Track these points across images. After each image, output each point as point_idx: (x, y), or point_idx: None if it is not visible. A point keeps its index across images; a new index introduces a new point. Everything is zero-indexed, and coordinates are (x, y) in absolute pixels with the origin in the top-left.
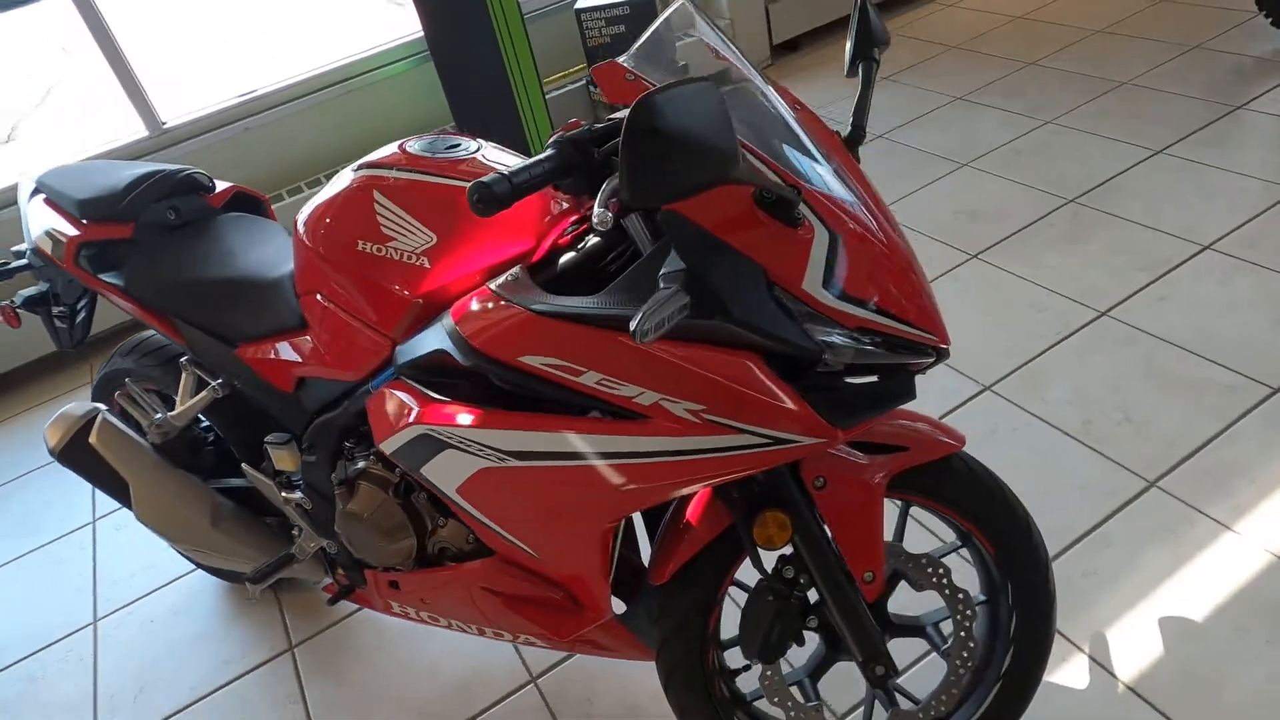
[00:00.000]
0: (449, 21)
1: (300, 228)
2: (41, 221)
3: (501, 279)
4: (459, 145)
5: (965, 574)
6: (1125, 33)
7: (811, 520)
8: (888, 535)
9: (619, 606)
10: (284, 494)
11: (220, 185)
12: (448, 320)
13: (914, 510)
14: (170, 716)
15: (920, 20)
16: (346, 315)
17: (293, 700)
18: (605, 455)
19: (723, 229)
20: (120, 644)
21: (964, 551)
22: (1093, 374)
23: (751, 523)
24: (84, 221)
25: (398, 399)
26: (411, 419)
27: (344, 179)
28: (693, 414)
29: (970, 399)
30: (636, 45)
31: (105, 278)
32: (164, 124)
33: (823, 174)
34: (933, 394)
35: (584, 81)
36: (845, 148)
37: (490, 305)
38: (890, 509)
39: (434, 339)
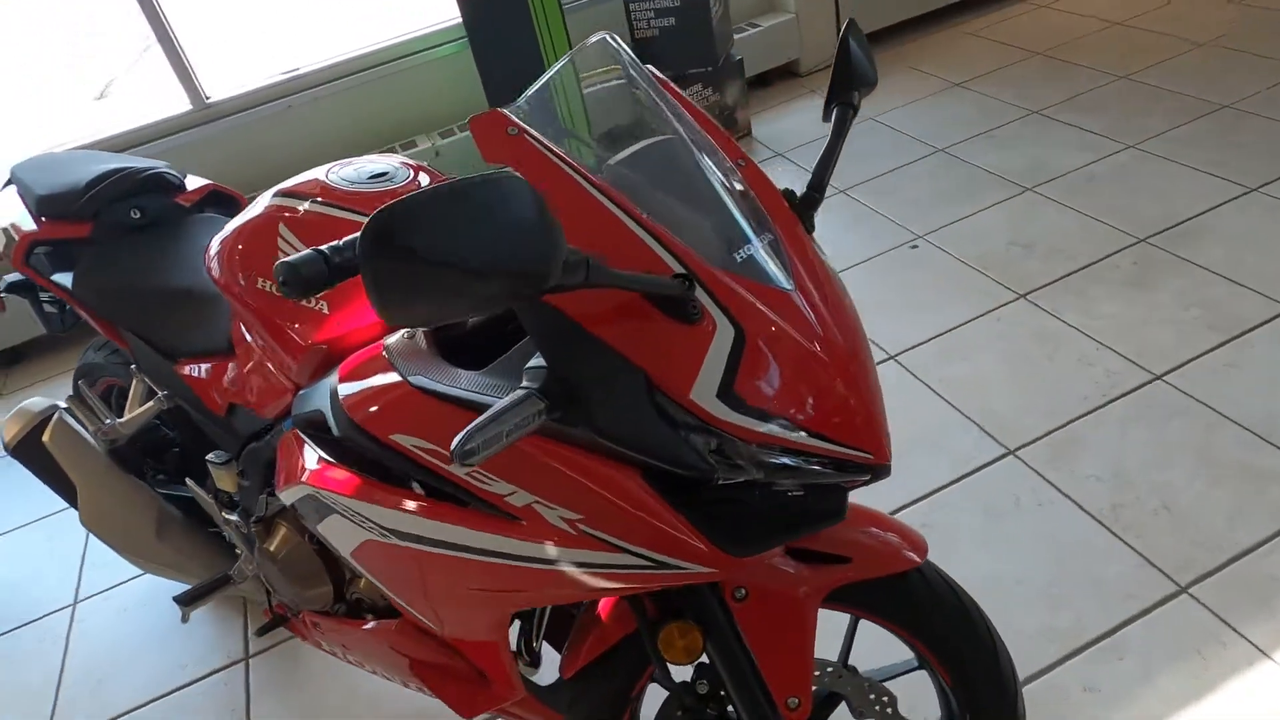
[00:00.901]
0: (487, 7)
1: (210, 253)
2: (3, 215)
3: (397, 336)
4: (386, 175)
5: (926, 693)
6: (1237, 47)
7: (728, 636)
8: (831, 650)
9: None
10: (224, 513)
11: (194, 183)
12: (334, 377)
13: None
14: (120, 716)
15: (1005, 21)
16: (259, 350)
17: (235, 716)
18: (479, 552)
19: (595, 321)
20: (93, 630)
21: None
22: (1135, 448)
23: (657, 633)
24: (42, 219)
25: (294, 450)
26: (301, 477)
27: (258, 205)
28: (569, 523)
29: (990, 463)
30: (532, 89)
31: (57, 278)
32: (208, 99)
33: (751, 250)
34: (947, 454)
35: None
36: (794, 213)
37: (374, 368)
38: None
39: (320, 396)
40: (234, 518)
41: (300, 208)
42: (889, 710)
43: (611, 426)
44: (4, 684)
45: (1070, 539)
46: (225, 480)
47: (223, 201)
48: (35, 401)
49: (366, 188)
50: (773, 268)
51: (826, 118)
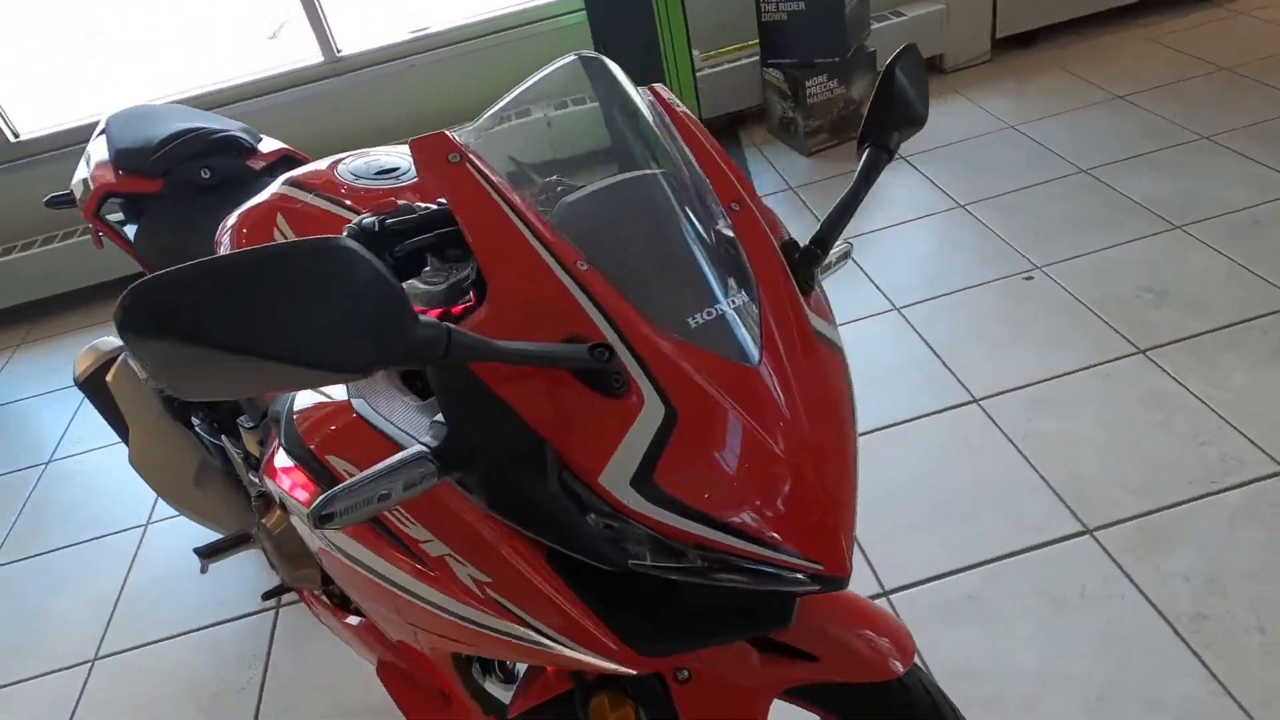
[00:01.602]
0: None
1: (222, 230)
2: (87, 163)
3: None
4: (395, 170)
5: None
6: None
7: (664, 718)
8: None
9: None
10: (250, 475)
11: (269, 146)
12: None
13: None
14: (160, 640)
15: (1192, 28)
16: None
17: (255, 662)
18: (405, 590)
19: (504, 380)
20: (156, 554)
21: None
22: (1240, 551)
23: (589, 698)
24: (119, 171)
25: (271, 439)
26: (264, 470)
27: (268, 190)
28: (477, 584)
29: (1062, 540)
30: (488, 112)
31: (128, 230)
32: (339, 52)
33: (715, 314)
34: (1014, 520)
35: (753, 60)
36: (788, 270)
37: None
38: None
39: (284, 397)
40: (256, 480)
41: (302, 199)
42: None
43: (506, 503)
44: (74, 586)
45: (1136, 645)
46: (251, 444)
47: (294, 166)
48: (106, 341)
49: (371, 183)
50: (739, 336)
51: (858, 156)
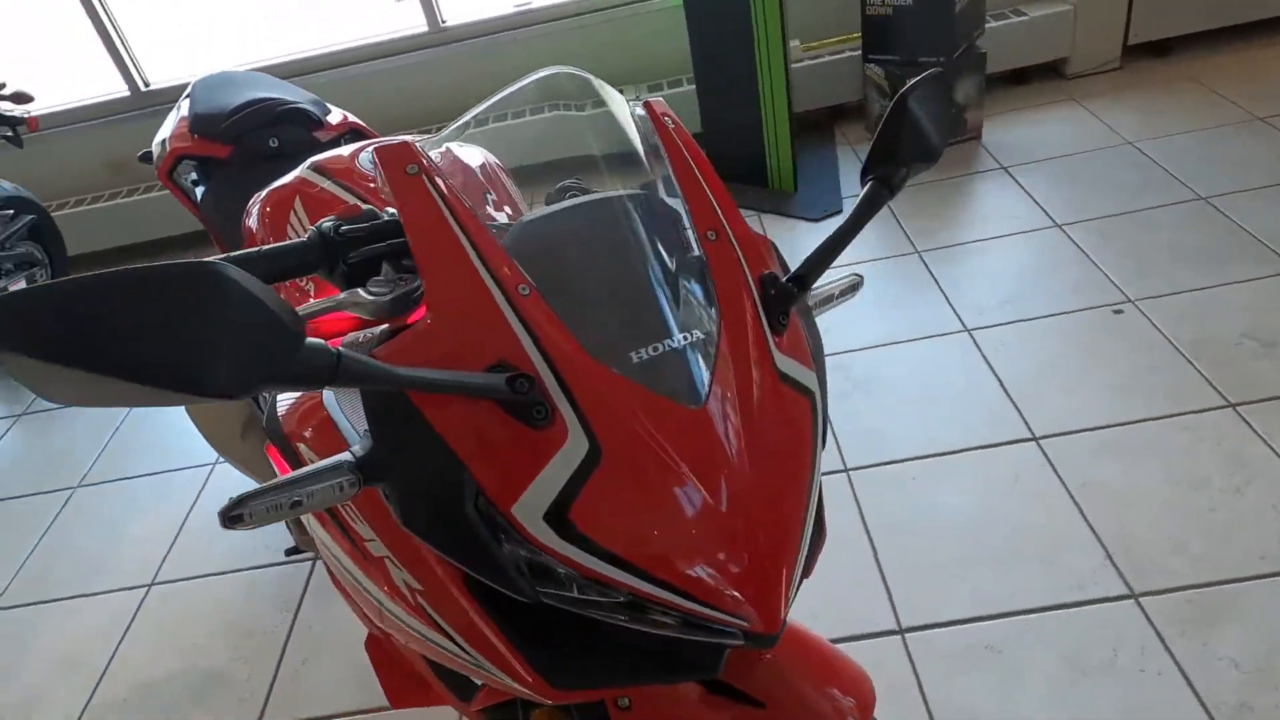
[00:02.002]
0: None
1: (250, 205)
2: (169, 125)
3: (358, 335)
4: None
5: None
6: None
7: None
8: None
9: None
10: None
11: (336, 118)
12: None
13: None
14: (207, 575)
15: None
16: None
17: (287, 610)
18: (357, 581)
19: (431, 401)
20: (220, 491)
21: None
22: None
23: (530, 708)
24: (194, 135)
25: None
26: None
27: (294, 171)
28: (410, 591)
29: (1102, 601)
30: (457, 123)
31: (198, 192)
32: (443, 23)
33: (662, 349)
34: (1052, 572)
35: (855, 55)
36: (756, 307)
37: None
38: None
39: None
40: None
41: (319, 185)
42: None
43: (420, 520)
44: (146, 514)
45: None
46: None
47: (360, 139)
48: None
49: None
50: (685, 375)
51: (861, 188)
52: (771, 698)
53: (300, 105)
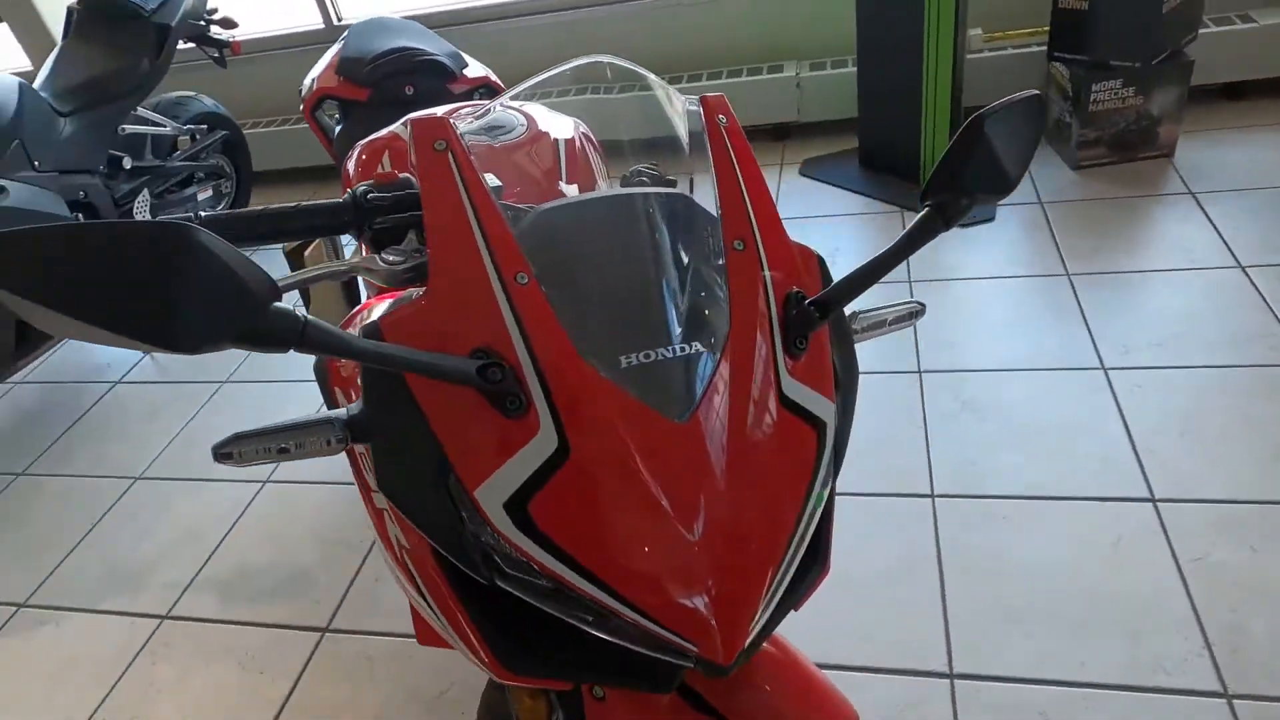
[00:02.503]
0: None
1: (350, 151)
2: (321, 64)
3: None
4: (503, 128)
5: None
6: None
7: None
8: None
9: None
10: None
11: (474, 72)
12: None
13: None
14: (311, 482)
15: None
16: None
17: (371, 529)
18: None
19: (418, 379)
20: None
21: None
22: None
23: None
24: (339, 77)
25: None
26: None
27: (395, 125)
28: (400, 547)
29: (1190, 693)
30: (504, 98)
31: (336, 130)
32: None
33: (655, 357)
34: (1138, 649)
35: (1040, 50)
36: (770, 325)
37: (369, 315)
38: None
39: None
40: None
41: (406, 141)
42: None
43: (394, 486)
44: (275, 416)
45: None
46: None
47: (493, 94)
48: None
49: (475, 139)
50: (675, 387)
51: (918, 212)
52: (736, 714)
53: (437, 57)
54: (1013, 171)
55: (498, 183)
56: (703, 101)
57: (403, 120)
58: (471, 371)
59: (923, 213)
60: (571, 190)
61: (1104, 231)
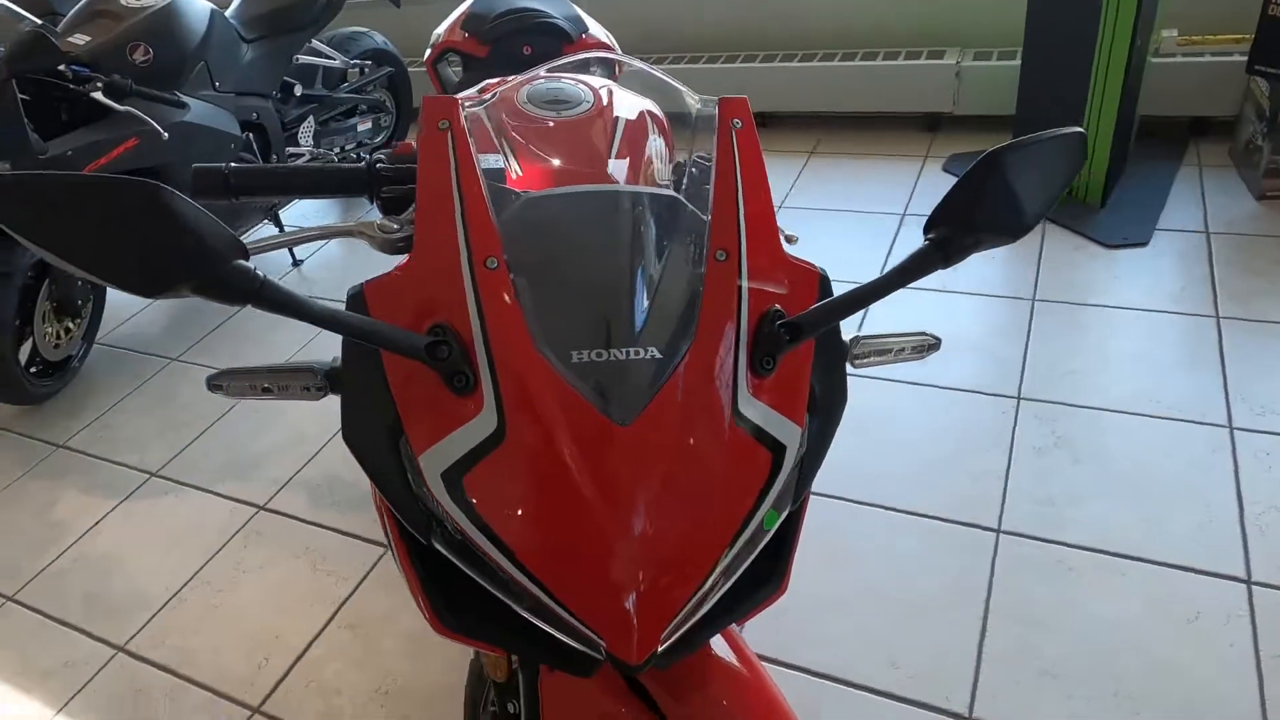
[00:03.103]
0: None
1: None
2: (449, 19)
3: None
4: (568, 103)
5: None
6: None
7: (530, 687)
8: None
9: None
10: None
11: (594, 37)
12: None
13: None
14: None
15: None
16: None
17: None
18: None
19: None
20: None
21: None
22: None
23: None
24: (464, 32)
25: None
26: None
27: (476, 86)
28: (376, 493)
29: None
30: (514, 80)
31: (458, 83)
32: None
33: (607, 358)
34: None
35: (1241, 60)
36: (735, 341)
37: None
38: None
39: None
40: None
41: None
42: None
43: (353, 438)
44: None
45: None
46: None
47: (606, 65)
48: None
49: (533, 110)
50: (620, 389)
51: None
52: (671, 709)
53: (556, 21)
54: (1030, 213)
55: (499, 165)
56: (721, 104)
57: (486, 81)
58: (420, 346)
59: (922, 246)
60: (620, 169)
61: (1274, 275)
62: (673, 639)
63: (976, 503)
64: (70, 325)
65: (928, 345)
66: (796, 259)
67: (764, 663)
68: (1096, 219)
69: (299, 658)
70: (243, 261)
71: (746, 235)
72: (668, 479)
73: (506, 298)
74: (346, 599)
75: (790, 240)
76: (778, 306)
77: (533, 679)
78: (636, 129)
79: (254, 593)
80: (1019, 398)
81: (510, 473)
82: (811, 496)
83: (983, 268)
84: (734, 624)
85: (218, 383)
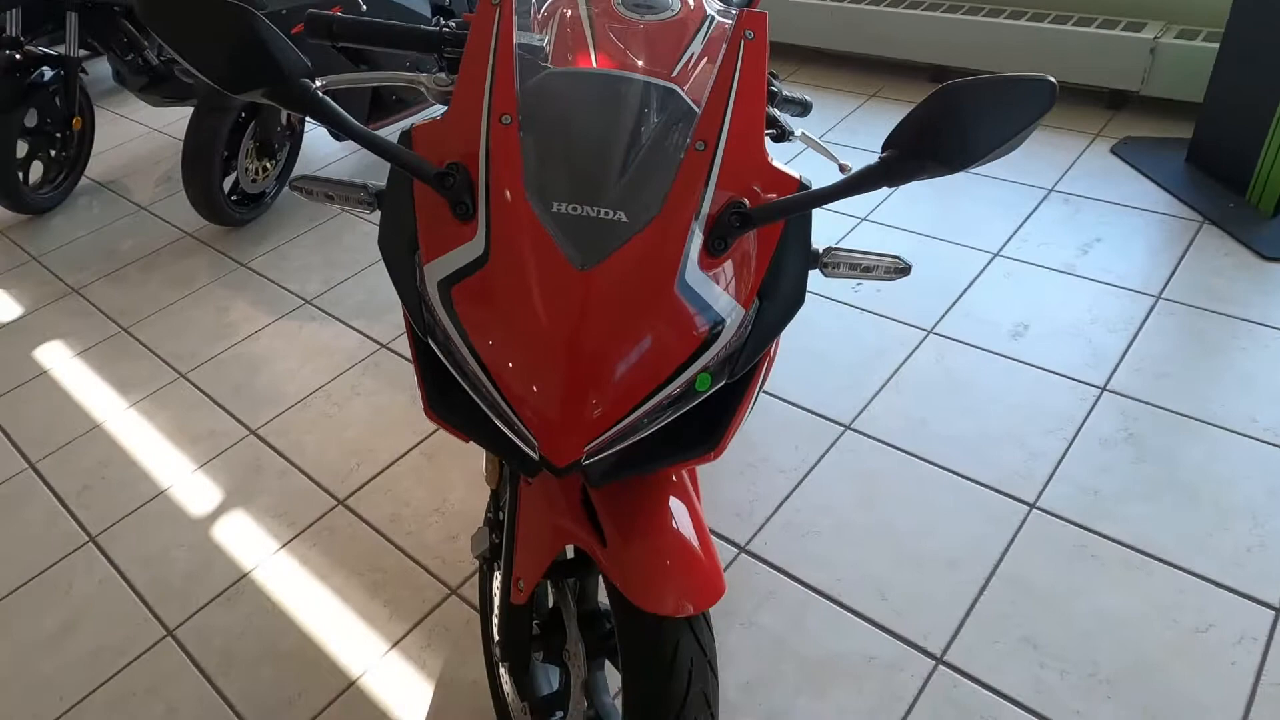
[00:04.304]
0: None
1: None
2: None
3: None
4: (654, 8)
5: None
6: None
7: (512, 494)
8: None
9: None
10: None
11: None
12: None
13: None
14: None
15: None
16: None
17: None
18: None
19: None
20: None
21: None
22: None
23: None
24: None
25: None
26: None
27: None
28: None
29: None
30: None
31: None
32: None
33: (581, 214)
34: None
35: None
36: (691, 222)
37: None
38: None
39: None
40: None
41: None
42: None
43: (383, 243)
44: None
45: None
46: None
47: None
48: None
49: (623, 11)
50: (584, 240)
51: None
52: (614, 545)
53: None
54: (976, 151)
55: (539, 44)
56: (740, 13)
57: None
58: (430, 174)
59: (872, 163)
60: (683, 71)
61: None
62: (597, 458)
63: (1021, 478)
64: (267, 165)
65: (898, 269)
66: (779, 167)
67: (761, 563)
68: (1261, 228)
69: (383, 470)
70: (307, 80)
71: (729, 133)
72: (612, 322)
73: (511, 150)
74: (431, 434)
75: (844, 169)
76: (745, 201)
77: (515, 491)
78: (708, 40)
79: (361, 411)
80: (1103, 388)
81: (487, 290)
82: (859, 437)
83: (1114, 256)
84: (691, 491)
85: (298, 184)
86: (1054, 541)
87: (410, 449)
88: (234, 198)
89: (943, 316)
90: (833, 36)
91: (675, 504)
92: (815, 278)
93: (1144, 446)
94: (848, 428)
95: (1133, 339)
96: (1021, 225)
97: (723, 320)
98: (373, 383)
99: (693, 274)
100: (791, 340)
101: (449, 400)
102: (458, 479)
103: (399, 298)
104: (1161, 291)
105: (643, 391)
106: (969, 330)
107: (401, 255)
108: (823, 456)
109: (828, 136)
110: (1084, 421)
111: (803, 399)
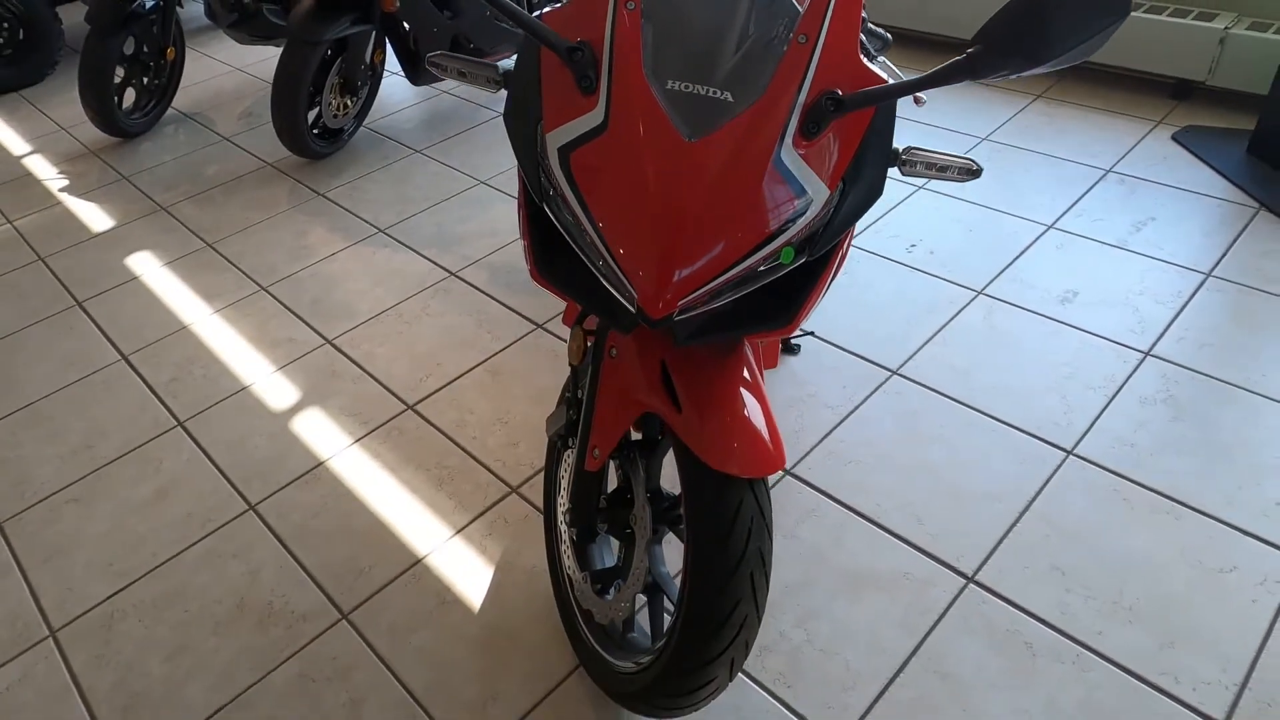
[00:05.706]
0: None
1: None
2: None
3: None
4: None
5: None
6: None
7: (594, 371)
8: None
9: None
10: None
11: None
12: None
13: None
14: None
15: None
16: None
17: None
18: None
19: (546, 54)
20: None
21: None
22: None
23: (580, 320)
24: None
25: None
26: None
27: None
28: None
29: (1190, 713)
30: None
31: None
32: None
33: (695, 91)
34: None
35: None
36: (792, 106)
37: None
38: None
39: None
40: None
41: None
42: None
43: (509, 118)
44: None
45: None
46: None
47: None
48: None
49: None
50: (694, 116)
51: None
52: (688, 411)
53: None
54: (1054, 48)
55: None
56: None
57: None
58: (562, 46)
59: (960, 57)
60: None
61: None
62: (686, 315)
63: (1061, 427)
64: (349, 102)
65: (970, 170)
66: (869, 65)
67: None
68: None
69: (450, 382)
70: None
71: (828, 31)
72: (712, 188)
73: (633, 32)
74: (496, 353)
75: (919, 103)
76: (838, 90)
77: (597, 367)
78: None
79: (430, 330)
80: (1147, 353)
81: (603, 157)
82: (905, 382)
83: (1166, 234)
84: (758, 373)
85: (435, 59)
86: (1088, 485)
87: (476, 365)
88: (315, 130)
89: (994, 279)
90: (900, 15)
91: (745, 379)
92: (881, 238)
93: (1182, 407)
94: (894, 373)
95: (1179, 310)
96: (1077, 201)
97: (810, 198)
98: (441, 306)
99: (788, 153)
100: (844, 292)
101: (552, 266)
102: (520, 394)
103: (518, 165)
104: (1212, 270)
105: (734, 255)
106: (1018, 293)
107: (525, 128)
108: (869, 397)
109: None
110: (1125, 381)
111: (853, 345)
